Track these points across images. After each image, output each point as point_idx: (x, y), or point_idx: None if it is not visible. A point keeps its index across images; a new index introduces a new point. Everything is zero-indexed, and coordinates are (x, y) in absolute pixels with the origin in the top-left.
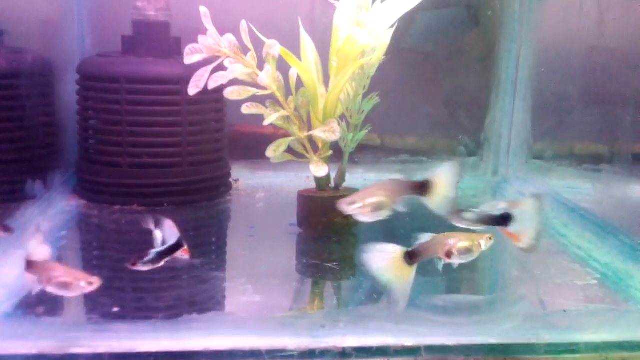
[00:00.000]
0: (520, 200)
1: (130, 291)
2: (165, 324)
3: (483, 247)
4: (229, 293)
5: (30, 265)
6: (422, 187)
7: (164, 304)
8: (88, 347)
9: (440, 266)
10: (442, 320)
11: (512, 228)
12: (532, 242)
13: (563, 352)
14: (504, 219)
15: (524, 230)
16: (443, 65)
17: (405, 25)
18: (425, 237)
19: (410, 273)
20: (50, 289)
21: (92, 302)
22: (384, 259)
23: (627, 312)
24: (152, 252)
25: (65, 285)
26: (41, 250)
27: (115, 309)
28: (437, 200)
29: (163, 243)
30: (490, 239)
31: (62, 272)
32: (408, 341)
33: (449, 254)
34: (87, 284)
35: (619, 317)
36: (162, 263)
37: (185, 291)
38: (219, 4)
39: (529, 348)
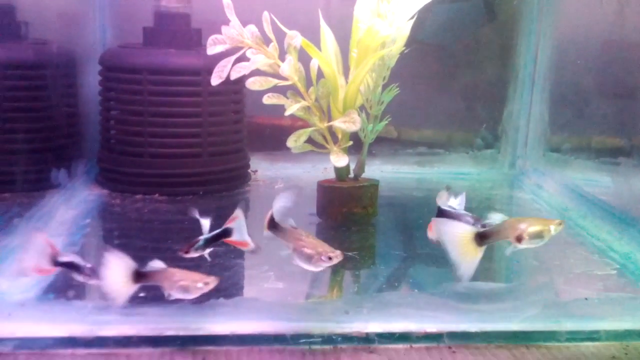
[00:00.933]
0: None
1: None
2: (192, 309)
3: (552, 232)
4: (252, 280)
5: (146, 275)
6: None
7: None
8: (117, 330)
9: (508, 251)
10: (464, 307)
11: None
12: None
13: (584, 340)
14: None
15: None
16: (461, 57)
17: (423, 17)
18: (496, 218)
19: (478, 253)
20: (174, 293)
21: None
22: (455, 236)
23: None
24: (201, 239)
25: (185, 289)
26: (156, 263)
27: (142, 294)
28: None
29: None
30: (560, 224)
31: (181, 277)
32: (430, 327)
33: (519, 238)
34: (204, 284)
35: (638, 305)
36: (208, 250)
37: None
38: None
39: (551, 335)
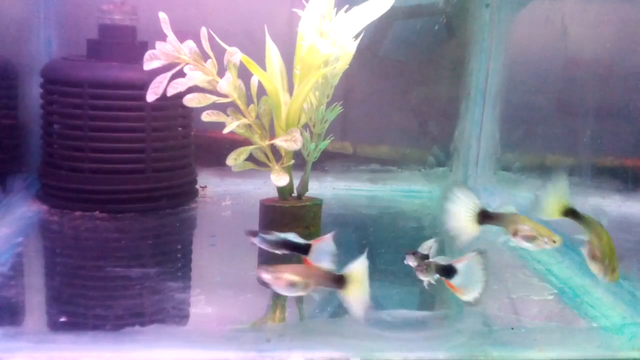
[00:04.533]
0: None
1: (82, 300)
2: (109, 335)
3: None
4: (181, 304)
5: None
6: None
7: (113, 314)
8: (29, 357)
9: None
10: (389, 335)
11: (456, 281)
12: (477, 297)
13: None
14: (448, 271)
15: (468, 285)
16: (416, 74)
17: (382, 33)
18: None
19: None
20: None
21: (40, 311)
22: None
23: (576, 329)
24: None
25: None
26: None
27: (63, 319)
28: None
29: None
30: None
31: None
32: (354, 356)
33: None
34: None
35: (568, 334)
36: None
37: (137, 301)
38: (195, 10)
39: None
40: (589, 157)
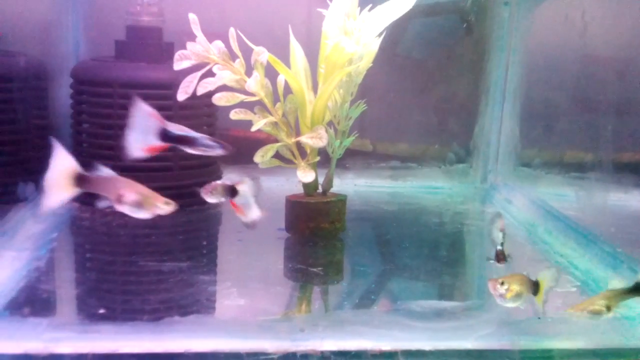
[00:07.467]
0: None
1: (118, 293)
2: (149, 326)
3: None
4: (214, 296)
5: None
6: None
7: (150, 306)
8: (72, 347)
9: None
10: (419, 325)
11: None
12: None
13: (537, 359)
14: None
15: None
16: (435, 72)
17: (400, 32)
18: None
19: None
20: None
21: (79, 303)
22: None
23: (602, 319)
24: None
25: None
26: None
27: (102, 311)
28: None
29: None
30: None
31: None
32: (385, 345)
33: None
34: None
35: (594, 324)
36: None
37: (171, 294)
38: (216, 11)
39: (504, 354)
40: (609, 152)
